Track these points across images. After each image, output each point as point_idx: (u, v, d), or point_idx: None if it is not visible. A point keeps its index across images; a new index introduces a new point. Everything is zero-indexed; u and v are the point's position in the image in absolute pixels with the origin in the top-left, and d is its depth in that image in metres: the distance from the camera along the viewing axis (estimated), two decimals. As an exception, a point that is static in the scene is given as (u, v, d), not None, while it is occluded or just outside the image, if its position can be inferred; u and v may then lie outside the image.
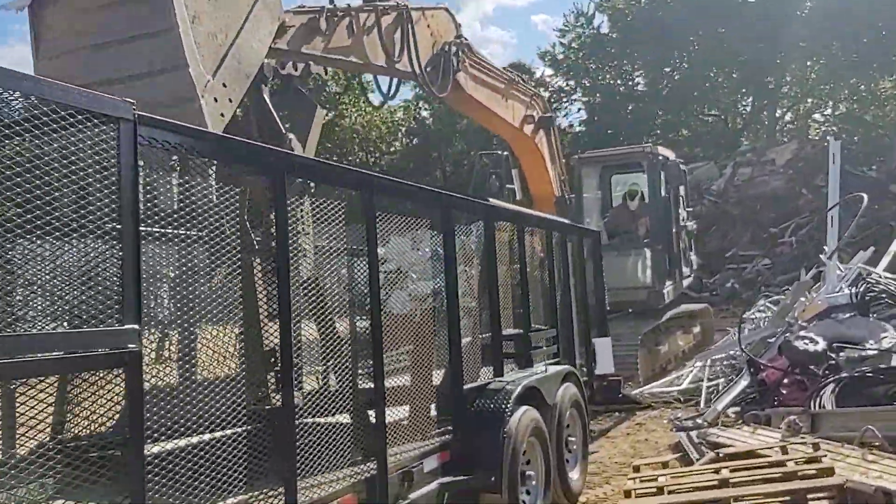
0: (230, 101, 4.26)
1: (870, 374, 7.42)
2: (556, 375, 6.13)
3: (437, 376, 4.93)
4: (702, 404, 9.19)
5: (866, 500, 5.35)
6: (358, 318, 4.19)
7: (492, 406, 5.12)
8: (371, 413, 4.06)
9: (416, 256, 4.87)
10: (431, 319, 4.93)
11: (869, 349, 7.78)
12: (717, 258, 20.99)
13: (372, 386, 4.07)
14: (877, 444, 6.01)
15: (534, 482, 5.42)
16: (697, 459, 6.85)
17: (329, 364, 4.00)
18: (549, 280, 6.87)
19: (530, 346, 6.17)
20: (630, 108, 33.57)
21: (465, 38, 8.28)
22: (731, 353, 10.43)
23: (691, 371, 11.00)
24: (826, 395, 7.25)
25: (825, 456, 5.67)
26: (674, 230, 11.85)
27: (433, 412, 4.82)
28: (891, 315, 8.34)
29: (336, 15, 6.01)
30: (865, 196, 9.76)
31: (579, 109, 36.41)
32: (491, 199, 6.16)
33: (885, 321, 8.24)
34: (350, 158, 34.37)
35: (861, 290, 8.72)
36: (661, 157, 11.63)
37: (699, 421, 8.46)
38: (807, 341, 7.78)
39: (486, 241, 5.58)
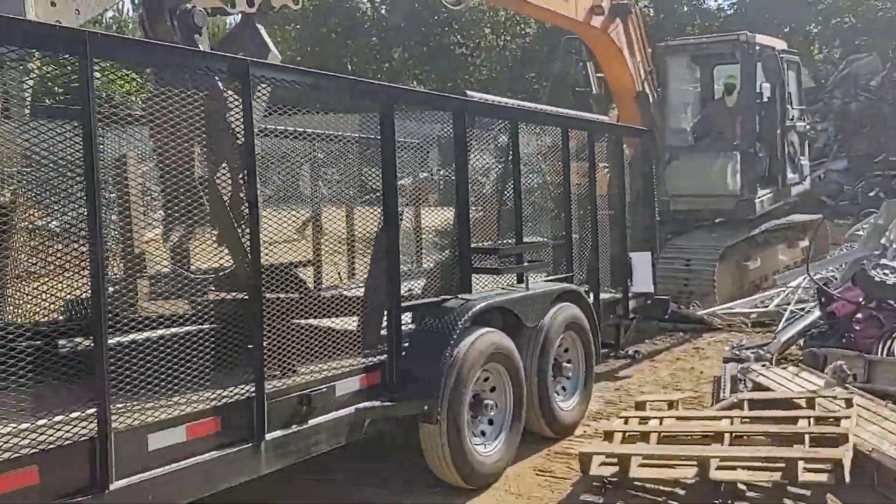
0: (77, 11, 3.77)
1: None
2: (544, 295, 5.39)
3: (371, 291, 4.40)
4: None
5: (895, 477, 4.39)
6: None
7: (439, 325, 4.55)
8: (248, 327, 3.62)
9: (346, 156, 4.27)
10: (368, 227, 4.37)
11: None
12: (864, 162, 18.55)
13: (251, 297, 3.62)
14: (931, 406, 4.91)
15: (492, 412, 4.86)
16: (724, 399, 5.98)
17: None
18: (565, 187, 6.01)
19: (520, 260, 5.45)
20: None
21: None
22: (827, 273, 9.07)
23: (784, 292, 9.76)
24: (899, 340, 6.04)
25: (849, 417, 4.66)
26: (778, 131, 10.25)
27: (362, 330, 4.32)
28: None
29: None
30: None
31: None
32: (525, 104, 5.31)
33: None
34: (477, 41, 32.95)
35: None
36: (758, 47, 9.91)
37: (761, 352, 7.45)
38: (887, 271, 6.45)
39: (456, 142, 4.84)
